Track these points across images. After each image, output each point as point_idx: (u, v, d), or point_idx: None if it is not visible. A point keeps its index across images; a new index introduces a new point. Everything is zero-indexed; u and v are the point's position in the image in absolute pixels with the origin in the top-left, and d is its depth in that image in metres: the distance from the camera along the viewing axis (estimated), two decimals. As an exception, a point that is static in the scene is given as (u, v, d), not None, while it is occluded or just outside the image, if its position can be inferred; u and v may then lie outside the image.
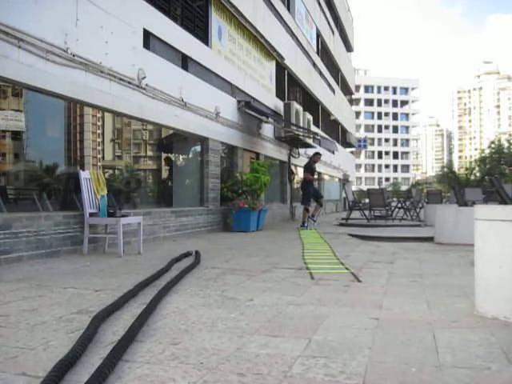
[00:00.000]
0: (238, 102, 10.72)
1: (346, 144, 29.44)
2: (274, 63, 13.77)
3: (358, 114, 79.85)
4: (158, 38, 7.63)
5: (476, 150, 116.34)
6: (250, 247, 6.32)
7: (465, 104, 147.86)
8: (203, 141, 9.26)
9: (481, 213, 2.57)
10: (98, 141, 6.90)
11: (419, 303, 2.84)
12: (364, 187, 58.36)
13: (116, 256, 5.14)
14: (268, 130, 12.77)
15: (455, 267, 4.44)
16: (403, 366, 1.75)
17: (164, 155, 8.97)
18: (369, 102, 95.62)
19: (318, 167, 13.38)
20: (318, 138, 13.75)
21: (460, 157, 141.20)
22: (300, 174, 13.77)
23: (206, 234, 8.49)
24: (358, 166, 78.49)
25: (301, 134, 13.55)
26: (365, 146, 53.47)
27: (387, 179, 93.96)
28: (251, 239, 7.60)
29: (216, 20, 9.89)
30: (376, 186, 69.98)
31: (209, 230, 9.04)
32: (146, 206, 7.79)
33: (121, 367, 1.71)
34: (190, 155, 9.83)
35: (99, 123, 6.87)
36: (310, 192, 10.34)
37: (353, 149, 36.28)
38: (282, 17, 14.45)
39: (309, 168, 10.50)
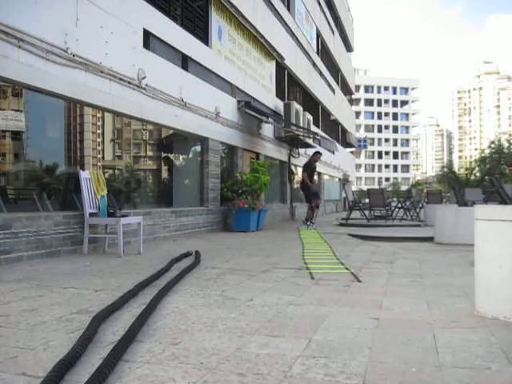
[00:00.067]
0: (238, 102, 10.72)
1: (346, 144, 29.45)
2: (273, 63, 13.77)
3: (358, 114, 79.85)
4: (158, 38, 7.63)
5: (476, 149, 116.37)
6: (250, 247, 6.32)
7: (465, 104, 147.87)
8: (203, 141, 9.26)
9: (481, 213, 2.57)
10: (98, 141, 6.90)
11: (419, 303, 2.84)
12: (364, 187, 58.36)
13: (116, 256, 5.14)
14: (268, 130, 12.77)
15: (455, 267, 4.44)
16: (403, 365, 1.75)
17: (164, 155, 8.97)
18: (369, 102, 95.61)
19: (318, 167, 13.38)
20: (318, 137, 13.75)
21: (460, 157, 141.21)
22: (300, 173, 13.77)
23: (205, 234, 8.49)
24: (358, 166, 78.49)
25: (301, 133, 13.55)
26: (365, 146, 53.47)
27: (387, 179, 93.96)
28: (251, 239, 7.60)
29: (216, 20, 9.89)
30: (376, 186, 70.01)
31: (209, 229, 9.04)
32: (146, 206, 7.79)
33: (121, 367, 1.71)
34: (190, 155, 9.83)
35: (99, 123, 6.87)
36: (311, 190, 10.32)
37: (353, 149, 36.28)
38: (281, 17, 14.45)
39: (308, 167, 10.47)
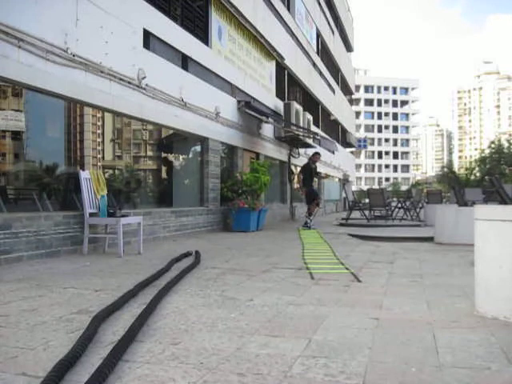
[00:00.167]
0: (238, 102, 10.72)
1: (346, 144, 29.45)
2: (274, 63, 13.77)
3: (358, 114, 79.84)
4: (158, 38, 7.63)
5: (476, 149, 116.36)
6: (250, 247, 6.32)
7: (465, 104, 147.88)
8: (203, 141, 9.26)
9: (481, 213, 2.57)
10: (98, 141, 6.90)
11: (419, 303, 2.84)
12: (364, 187, 58.35)
13: (116, 256, 5.14)
14: (268, 130, 12.77)
15: (455, 267, 4.44)
16: (403, 365, 1.75)
17: (164, 155, 8.98)
18: (369, 102, 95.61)
19: (319, 167, 13.37)
20: (318, 137, 13.75)
21: (460, 157, 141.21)
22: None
23: (206, 234, 8.49)
24: (358, 166, 78.49)
25: (301, 133, 13.55)
26: (365, 146, 53.46)
27: (387, 179, 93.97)
28: (251, 239, 7.60)
29: (216, 20, 9.89)
30: (376, 186, 70.00)
31: (209, 230, 9.04)
32: (146, 205, 7.79)
33: (121, 367, 1.71)
34: (190, 155, 9.83)
35: (99, 123, 6.87)
36: (312, 189, 10.30)
37: (353, 149, 36.28)
38: (282, 17, 14.45)
39: (307, 169, 10.44)
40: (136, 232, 5.75)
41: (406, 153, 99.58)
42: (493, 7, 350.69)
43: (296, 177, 10.40)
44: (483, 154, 52.95)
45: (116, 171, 7.83)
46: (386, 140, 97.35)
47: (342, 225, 11.68)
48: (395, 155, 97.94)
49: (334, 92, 24.37)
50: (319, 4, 20.81)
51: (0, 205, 4.90)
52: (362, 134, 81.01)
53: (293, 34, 15.89)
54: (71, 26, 5.57)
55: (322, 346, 1.99)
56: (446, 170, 53.60)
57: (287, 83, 15.47)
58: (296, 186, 14.85)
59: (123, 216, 5.43)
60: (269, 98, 13.27)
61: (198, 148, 9.42)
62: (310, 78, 18.45)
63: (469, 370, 1.72)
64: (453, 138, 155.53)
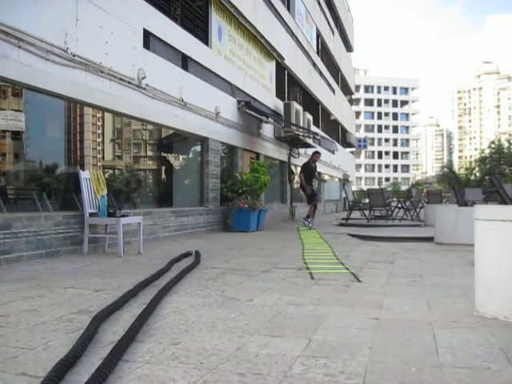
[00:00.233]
0: (238, 102, 10.72)
1: (346, 144, 29.45)
2: (274, 63, 13.77)
3: (358, 114, 79.88)
4: (158, 38, 7.63)
5: (476, 150, 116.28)
6: (250, 247, 6.32)
7: (465, 104, 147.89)
8: (203, 141, 9.26)
9: (481, 213, 2.57)
10: (98, 141, 6.90)
11: (419, 303, 2.84)
12: (364, 187, 58.35)
13: (116, 256, 5.14)
14: (268, 130, 12.77)
15: (455, 267, 4.44)
16: (403, 365, 1.75)
17: (164, 155, 8.97)
18: (369, 102, 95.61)
19: (318, 167, 13.36)
20: (318, 137, 13.75)
21: (460, 157, 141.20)
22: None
23: (205, 234, 8.49)
24: (358, 166, 78.49)
25: (301, 133, 13.55)
26: (365, 146, 53.48)
27: (387, 179, 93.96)
28: (251, 239, 7.60)
29: (216, 20, 9.89)
30: (376, 186, 70.00)
31: (209, 230, 9.04)
32: (145, 205, 7.79)
33: (121, 367, 1.71)
34: (190, 155, 9.83)
35: (99, 123, 6.87)
36: (307, 192, 10.28)
37: (353, 149, 36.28)
38: (282, 17, 14.45)
39: (307, 168, 10.42)
40: (136, 232, 5.75)
41: (406, 153, 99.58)
42: (492, 7, 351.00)
43: (297, 177, 10.33)
44: (483, 154, 52.89)
45: (116, 171, 7.82)
46: (386, 140, 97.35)
47: (342, 225, 11.68)
48: (395, 155, 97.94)
49: (334, 92, 24.37)
50: (319, 4, 20.81)
51: (0, 205, 4.90)
52: (362, 134, 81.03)
53: (293, 34, 15.89)
54: (71, 26, 5.56)
55: (322, 345, 1.99)
56: (445, 169, 53.56)
57: (287, 83, 15.47)
58: (296, 186, 14.86)
59: (123, 216, 5.43)
60: (269, 98, 13.27)
61: (198, 148, 9.42)
62: (310, 78, 18.45)
63: (469, 370, 1.72)
64: (453, 138, 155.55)
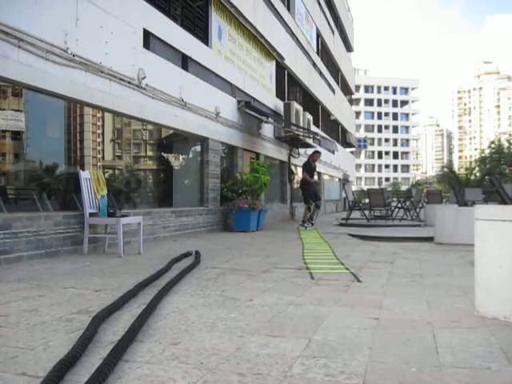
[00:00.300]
0: (238, 102, 10.72)
1: (346, 144, 29.45)
2: (274, 63, 13.77)
3: (358, 114, 79.87)
4: (158, 38, 7.63)
5: (476, 150, 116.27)
6: (250, 247, 6.32)
7: (465, 104, 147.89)
8: (203, 141, 9.26)
9: (481, 213, 2.57)
10: (98, 141, 6.90)
11: (419, 303, 2.84)
12: (364, 187, 58.34)
13: (116, 256, 5.14)
14: (268, 130, 12.77)
15: (455, 267, 4.44)
16: (403, 365, 1.75)
17: (164, 155, 8.97)
18: (369, 102, 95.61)
19: (318, 167, 13.35)
20: (318, 137, 13.75)
21: (460, 157, 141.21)
22: (300, 173, 13.78)
23: (205, 234, 8.49)
24: (358, 166, 78.48)
25: (301, 133, 13.55)
26: (365, 146, 53.47)
27: (387, 179, 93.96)
28: (251, 239, 7.60)
29: (216, 20, 9.89)
30: (376, 186, 70.00)
31: (209, 230, 9.04)
32: (145, 205, 7.79)
33: (121, 367, 1.71)
34: (190, 155, 9.83)
35: (99, 123, 6.87)
36: (311, 190, 10.18)
37: (353, 149, 36.28)
38: (282, 17, 14.45)
39: (308, 167, 10.38)
40: (136, 232, 5.75)
41: (406, 153, 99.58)
42: (492, 7, 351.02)
43: (298, 177, 10.26)
44: (483, 154, 52.88)
45: (116, 171, 7.82)
46: (386, 140, 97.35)
47: (342, 225, 11.68)
48: (395, 155, 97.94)
49: (334, 92, 24.37)
50: (319, 4, 20.81)
51: (0, 205, 4.90)
52: (362, 134, 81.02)
53: (293, 34, 15.89)
54: (71, 26, 5.56)
55: (322, 346, 1.99)
56: (446, 169, 53.56)
57: (287, 83, 15.47)
58: (296, 186, 14.85)
59: (123, 216, 5.43)
60: (269, 98, 13.27)
61: (198, 148, 9.42)
62: (310, 78, 18.45)
63: (469, 370, 1.72)
64: (453, 137, 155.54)
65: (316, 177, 11.48)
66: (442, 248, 6.20)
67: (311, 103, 18.94)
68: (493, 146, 51.28)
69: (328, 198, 22.42)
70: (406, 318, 2.48)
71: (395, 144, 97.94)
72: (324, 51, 22.31)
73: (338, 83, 26.27)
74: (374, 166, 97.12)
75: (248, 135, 11.23)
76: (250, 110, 10.96)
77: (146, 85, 7.03)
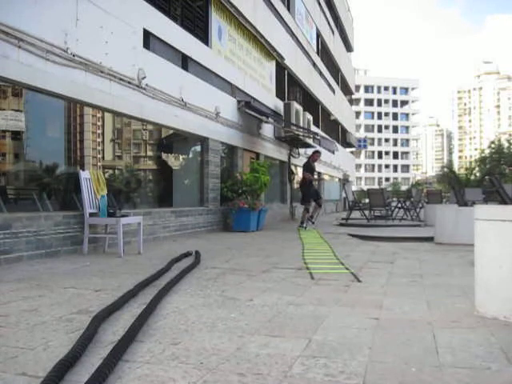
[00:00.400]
0: (238, 101, 10.72)
1: (346, 144, 29.45)
2: (274, 63, 13.77)
3: (358, 114, 79.87)
4: (158, 38, 7.63)
5: (476, 150, 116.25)
6: (250, 247, 6.32)
7: (465, 104, 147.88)
8: (203, 141, 9.26)
9: (481, 213, 2.57)
10: (98, 141, 6.90)
11: (419, 303, 2.84)
12: (364, 187, 58.35)
13: (116, 256, 5.14)
14: (268, 130, 12.77)
15: (455, 267, 4.44)
16: (403, 365, 1.75)
17: (164, 155, 8.97)
18: (369, 102, 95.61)
19: (318, 167, 13.37)
20: (318, 137, 13.75)
21: (460, 157, 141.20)
22: (300, 173, 13.78)
23: (205, 234, 8.49)
24: (358, 166, 78.48)
25: (301, 133, 13.55)
26: (365, 146, 53.47)
27: (387, 179, 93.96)
28: (251, 239, 7.60)
29: (216, 20, 9.89)
30: (376, 186, 70.00)
31: (209, 230, 9.04)
32: (145, 205, 7.79)
33: (121, 367, 1.71)
34: (190, 155, 9.83)
35: (99, 123, 6.87)
36: (310, 191, 10.18)
37: (353, 149, 36.28)
38: (282, 17, 14.45)
39: (308, 167, 10.37)
40: (136, 232, 5.75)
41: (406, 153, 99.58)
42: (492, 7, 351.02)
43: (303, 175, 10.21)
44: (483, 154, 52.87)
45: (116, 171, 7.82)
46: (386, 140, 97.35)
47: (342, 225, 11.68)
48: (395, 155, 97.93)
49: (334, 92, 24.37)
50: (319, 4, 20.81)
51: (0, 205, 4.90)
52: (362, 134, 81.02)
53: (293, 34, 15.89)
54: (71, 26, 5.56)
55: (322, 346, 1.99)
56: (446, 169, 53.55)
57: (287, 83, 15.47)
58: (296, 186, 14.85)
59: (123, 216, 5.43)
60: (269, 98, 13.27)
61: (198, 148, 9.42)
62: (310, 78, 18.45)
63: (469, 370, 1.72)
64: (453, 138, 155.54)
65: (316, 177, 11.46)
66: (442, 248, 6.20)
67: (311, 103, 18.94)
68: (493, 145, 51.28)
69: (328, 197, 22.41)
70: (406, 318, 2.48)
71: (395, 144, 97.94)
72: (324, 51, 22.31)
73: (338, 83, 26.27)
74: (373, 165, 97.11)
75: (248, 135, 11.23)
76: (250, 110, 10.96)
77: (146, 85, 7.03)
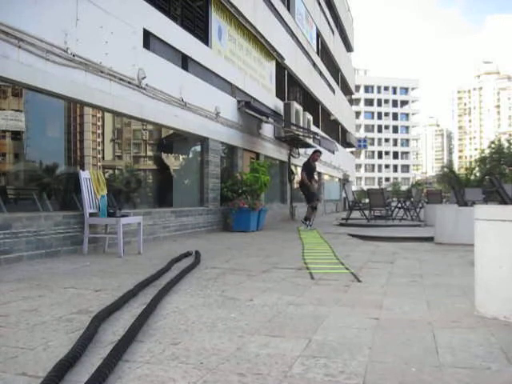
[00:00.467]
0: (238, 101, 10.72)
1: (346, 144, 29.44)
2: (273, 63, 13.77)
3: (358, 114, 79.86)
4: (158, 38, 7.63)
5: (476, 150, 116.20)
6: (250, 247, 6.32)
7: (465, 104, 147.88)
8: (203, 141, 9.26)
9: (481, 213, 2.57)
10: (98, 141, 6.89)
11: (419, 303, 2.84)
12: (364, 187, 58.36)
13: (116, 256, 5.14)
14: (268, 130, 12.77)
15: (455, 267, 4.44)
16: (403, 365, 1.75)
17: (164, 155, 8.97)
18: (369, 102, 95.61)
19: (318, 167, 13.35)
20: (318, 137, 13.74)
21: (460, 157, 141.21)
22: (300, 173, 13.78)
23: (205, 234, 8.49)
24: (358, 166, 78.47)
25: (301, 133, 13.55)
26: (365, 146, 53.44)
27: (387, 179, 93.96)
28: (251, 239, 7.60)
29: (216, 20, 9.89)
30: (376, 186, 70.01)
31: (209, 230, 9.04)
32: (145, 206, 7.79)
33: (121, 367, 1.71)
34: (190, 155, 9.83)
35: (99, 123, 6.87)
36: (311, 190, 10.11)
37: (353, 149, 36.27)
38: (282, 17, 14.45)
39: (308, 167, 10.31)
40: (136, 232, 5.75)
41: (406, 153, 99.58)
42: (492, 7, 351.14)
43: (297, 177, 10.19)
44: (483, 154, 52.86)
45: (116, 171, 7.82)
46: (386, 140, 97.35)
47: (342, 225, 11.68)
48: (395, 155, 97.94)
49: (334, 92, 24.37)
50: (319, 4, 20.81)
51: (0, 205, 4.90)
52: (362, 134, 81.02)
53: (293, 34, 15.89)
54: (71, 26, 5.56)
55: (322, 346, 1.99)
56: (446, 169, 53.56)
57: (287, 83, 15.47)
58: (296, 186, 14.85)
59: (123, 216, 5.43)
60: (269, 98, 13.27)
61: (198, 148, 9.42)
62: (310, 78, 18.45)
63: (469, 370, 1.72)
64: (453, 137, 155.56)
65: (316, 177, 11.42)
66: (442, 248, 6.20)
67: (311, 103, 18.94)
68: (493, 146, 51.28)
69: (328, 197, 22.42)
70: (406, 318, 2.48)
71: (395, 144, 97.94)
72: (324, 51, 22.31)
73: (338, 83, 26.27)
74: (373, 166, 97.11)
75: (248, 135, 11.23)
76: (250, 110, 10.96)
77: (146, 85, 7.03)
